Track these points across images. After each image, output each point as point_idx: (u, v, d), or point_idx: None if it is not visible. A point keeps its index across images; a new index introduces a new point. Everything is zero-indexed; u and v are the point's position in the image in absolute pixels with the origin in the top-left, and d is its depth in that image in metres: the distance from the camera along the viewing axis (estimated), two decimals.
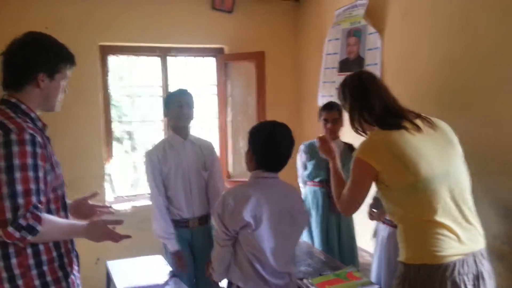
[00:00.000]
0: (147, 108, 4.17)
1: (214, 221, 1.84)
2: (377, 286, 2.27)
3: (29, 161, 1.39)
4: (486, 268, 1.60)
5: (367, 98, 1.75)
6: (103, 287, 3.07)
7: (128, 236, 1.66)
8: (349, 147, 2.98)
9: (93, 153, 3.69)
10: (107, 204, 3.71)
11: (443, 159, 1.61)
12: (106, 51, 3.80)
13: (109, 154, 3.85)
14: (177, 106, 2.61)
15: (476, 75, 2.45)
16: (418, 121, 1.68)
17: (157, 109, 4.18)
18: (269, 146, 1.83)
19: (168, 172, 2.60)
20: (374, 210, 1.88)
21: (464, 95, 2.51)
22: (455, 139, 1.71)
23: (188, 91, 2.70)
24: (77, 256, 1.69)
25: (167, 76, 4.05)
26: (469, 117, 2.40)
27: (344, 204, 1.80)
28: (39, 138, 1.43)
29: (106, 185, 3.76)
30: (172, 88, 4.04)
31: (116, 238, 1.63)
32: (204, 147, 2.72)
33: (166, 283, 2.55)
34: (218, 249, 1.84)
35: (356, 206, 1.77)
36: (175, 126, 2.67)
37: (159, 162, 2.59)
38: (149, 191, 2.68)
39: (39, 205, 1.40)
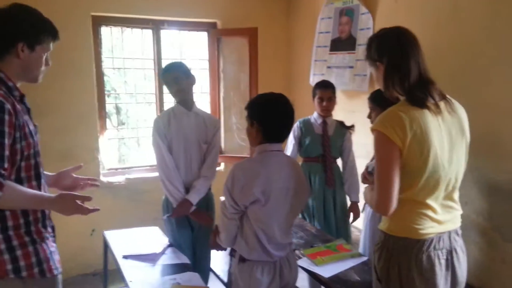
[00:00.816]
0: (138, 82, 4.16)
1: (223, 195, 1.90)
2: (365, 257, 2.41)
3: None
4: (459, 244, 1.72)
5: (406, 63, 1.61)
6: (99, 257, 3.14)
7: (96, 209, 1.68)
8: (341, 124, 3.11)
9: (86, 125, 3.70)
10: (100, 176, 3.76)
11: (451, 148, 1.64)
12: (98, 21, 3.75)
13: (103, 127, 3.87)
14: (168, 84, 2.68)
15: (463, 62, 2.55)
16: (441, 103, 1.63)
17: (148, 83, 4.18)
18: (277, 116, 1.87)
19: (171, 140, 2.67)
20: (373, 173, 1.87)
21: (452, 80, 2.60)
22: (466, 127, 1.70)
23: (176, 64, 2.71)
24: (52, 227, 1.70)
25: (160, 50, 4.04)
26: (458, 101, 2.50)
27: (378, 200, 1.61)
28: (8, 106, 1.45)
29: (100, 158, 3.78)
30: (164, 62, 4.06)
31: (85, 211, 1.63)
32: (208, 120, 2.77)
33: (164, 251, 2.64)
34: (225, 221, 1.91)
35: (390, 196, 1.57)
36: (175, 99, 2.73)
37: (164, 127, 2.66)
38: (155, 158, 2.70)
39: (2, 171, 1.42)
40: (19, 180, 1.53)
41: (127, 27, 3.98)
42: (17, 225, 1.54)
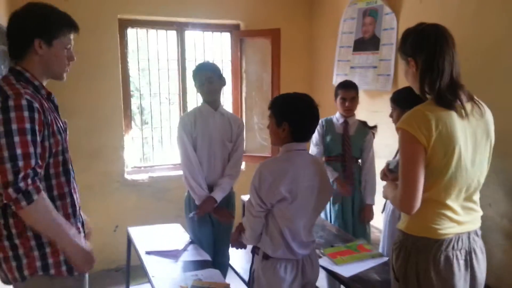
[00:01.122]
0: (162, 83, 4.23)
1: (250, 193, 1.92)
2: (386, 258, 2.38)
3: (27, 125, 1.42)
4: (479, 245, 1.69)
5: (441, 64, 1.59)
6: (122, 253, 3.21)
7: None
8: (363, 124, 3.09)
9: (112, 125, 3.79)
10: (125, 174, 3.85)
11: (475, 150, 1.63)
12: (124, 24, 3.84)
13: (128, 126, 3.96)
14: (200, 83, 2.70)
15: (487, 61, 2.50)
16: (468, 105, 1.62)
17: (172, 84, 4.25)
18: (306, 115, 1.89)
19: (196, 138, 2.71)
20: (394, 171, 1.82)
21: (476, 80, 2.55)
22: (492, 130, 1.69)
23: (210, 64, 2.76)
24: (82, 223, 1.71)
25: (184, 51, 4.11)
26: (482, 100, 2.46)
27: (402, 199, 1.60)
28: (36, 104, 1.46)
29: (124, 156, 3.87)
30: (188, 63, 4.12)
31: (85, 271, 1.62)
32: (233, 120, 2.81)
33: (185, 248, 2.68)
34: (251, 218, 1.92)
35: (415, 194, 1.57)
36: (204, 99, 2.77)
37: (191, 125, 2.70)
38: (180, 156, 2.74)
39: (38, 169, 1.44)
40: (47, 176, 1.55)
41: (152, 28, 4.06)
42: None
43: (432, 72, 1.59)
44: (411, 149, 1.56)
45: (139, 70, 4.09)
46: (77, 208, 1.67)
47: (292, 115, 1.88)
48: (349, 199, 3.02)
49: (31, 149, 1.42)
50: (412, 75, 1.69)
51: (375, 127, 3.10)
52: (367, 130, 3.08)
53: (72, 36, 1.63)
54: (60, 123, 1.62)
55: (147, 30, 4.06)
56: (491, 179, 2.38)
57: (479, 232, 1.72)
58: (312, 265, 1.99)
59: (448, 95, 1.57)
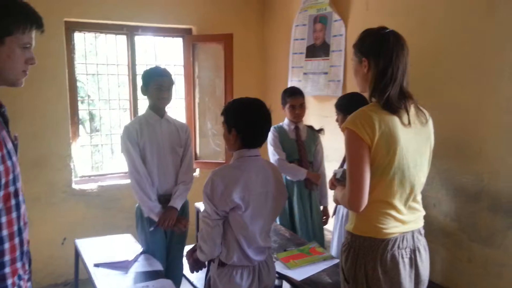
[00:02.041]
0: (112, 88, 4.12)
1: (203, 203, 1.87)
2: (337, 260, 2.42)
3: None
4: (422, 243, 1.76)
5: (395, 72, 1.63)
6: (70, 267, 3.08)
7: None
8: (311, 128, 3.18)
9: (58, 132, 3.63)
10: (72, 184, 3.70)
11: (416, 151, 1.69)
12: (71, 27, 3.71)
13: (75, 134, 3.81)
14: (155, 89, 2.61)
15: (431, 67, 2.61)
16: (412, 114, 1.67)
17: (123, 89, 4.15)
18: (254, 121, 1.86)
19: (144, 147, 2.63)
20: (341, 180, 1.88)
21: (421, 85, 2.67)
22: (432, 134, 1.76)
23: (167, 71, 2.68)
24: (29, 261, 1.43)
25: (134, 56, 4.02)
26: (426, 105, 2.57)
27: (350, 197, 1.64)
28: None
29: (72, 165, 3.72)
30: (139, 69, 4.03)
31: None
32: (180, 127, 2.76)
33: (136, 259, 2.60)
34: (208, 230, 1.85)
35: (362, 191, 1.61)
36: (152, 106, 2.69)
37: (136, 135, 2.62)
38: (127, 166, 2.66)
39: None
40: None
41: (101, 33, 3.94)
42: None
43: (384, 78, 1.64)
44: (356, 147, 1.61)
45: (87, 75, 3.96)
46: (25, 247, 1.39)
47: (239, 121, 1.85)
48: (307, 203, 3.06)
49: None
50: (362, 74, 1.74)
51: (321, 130, 3.18)
52: (316, 134, 3.17)
53: (33, 34, 1.33)
54: (11, 143, 1.32)
55: (95, 34, 3.95)
56: (434, 180, 2.49)
57: (422, 231, 1.78)
58: (268, 270, 1.98)
59: (395, 103, 1.63)
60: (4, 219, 1.28)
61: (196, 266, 2.02)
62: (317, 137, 3.16)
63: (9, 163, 1.27)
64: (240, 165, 1.87)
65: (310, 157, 3.09)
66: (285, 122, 3.13)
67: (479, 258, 2.36)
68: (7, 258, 1.29)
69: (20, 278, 1.35)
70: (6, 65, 1.29)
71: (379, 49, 1.65)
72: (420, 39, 2.70)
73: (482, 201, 2.32)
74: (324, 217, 3.19)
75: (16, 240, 1.33)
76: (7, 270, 1.29)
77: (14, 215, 1.31)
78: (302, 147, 3.06)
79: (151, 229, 2.63)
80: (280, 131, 3.10)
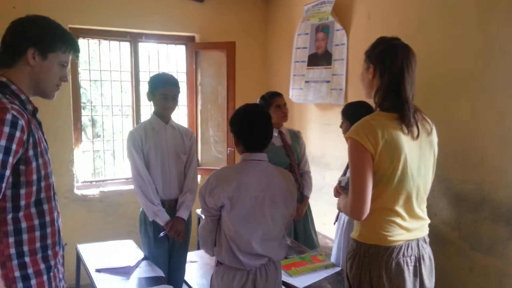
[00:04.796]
0: (115, 94, 4.14)
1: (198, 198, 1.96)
2: (339, 268, 2.43)
3: (2, 142, 1.29)
4: (427, 252, 1.78)
5: (403, 84, 1.67)
6: (72, 272, 3.05)
7: None
8: (292, 132, 3.21)
9: (61, 138, 3.64)
10: (74, 189, 3.70)
11: (420, 159, 1.71)
12: (76, 33, 3.73)
13: (78, 140, 3.83)
14: (162, 97, 2.63)
15: (430, 77, 2.63)
16: (418, 125, 1.70)
17: (125, 95, 4.17)
18: (250, 126, 1.92)
19: (148, 153, 2.65)
20: (346, 187, 1.91)
21: (421, 93, 2.69)
22: (435, 142, 1.78)
23: (175, 80, 2.70)
24: (63, 249, 1.60)
25: (137, 62, 4.05)
26: (427, 114, 2.59)
27: (352, 205, 1.65)
28: (22, 122, 1.34)
29: (74, 170, 3.73)
30: (142, 75, 4.06)
31: None
32: (184, 133, 2.78)
33: (138, 264, 2.61)
34: (203, 224, 1.97)
35: (364, 200, 1.62)
36: (158, 112, 2.71)
37: (141, 141, 2.64)
38: (131, 171, 2.68)
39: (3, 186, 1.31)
40: (39, 202, 1.43)
41: (105, 39, 3.98)
42: (33, 250, 1.42)
43: (391, 87, 1.67)
44: (359, 157, 1.63)
45: (90, 81, 3.99)
46: (61, 235, 1.56)
47: (237, 127, 1.94)
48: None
49: None
50: (367, 80, 1.78)
51: (299, 132, 3.23)
52: (297, 133, 3.20)
53: (70, 57, 1.54)
54: (45, 142, 1.50)
55: (99, 41, 3.98)
56: (435, 189, 2.51)
57: (427, 239, 1.79)
58: (266, 279, 1.95)
59: (406, 115, 1.66)
60: (46, 207, 1.46)
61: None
62: (299, 137, 3.19)
63: (46, 157, 1.47)
64: (238, 167, 1.93)
65: (297, 159, 3.11)
66: None
67: (480, 267, 2.36)
68: (49, 241, 1.47)
69: (59, 261, 1.53)
70: (45, 78, 1.49)
71: (387, 58, 1.69)
72: (417, 49, 2.72)
73: (483, 210, 2.33)
74: (301, 208, 3.06)
75: (56, 226, 1.51)
76: (50, 252, 1.46)
77: (53, 204, 1.50)
78: (290, 152, 3.06)
79: (160, 235, 2.64)
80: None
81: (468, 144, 2.42)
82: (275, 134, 3.07)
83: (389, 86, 1.68)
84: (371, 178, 1.63)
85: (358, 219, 1.68)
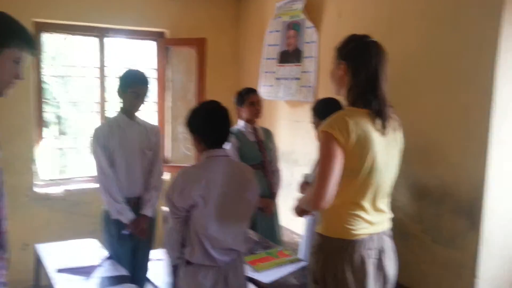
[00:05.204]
0: (81, 91, 4.04)
1: (164, 199, 1.92)
2: (304, 262, 2.43)
3: None
4: (389, 245, 1.79)
5: (377, 82, 1.70)
6: (32, 273, 2.97)
7: None
8: (265, 129, 3.22)
9: (22, 135, 3.52)
10: (35, 188, 3.58)
11: (388, 155, 1.72)
12: (40, 28, 3.63)
13: (40, 137, 3.71)
14: (133, 95, 2.59)
15: (398, 74, 2.66)
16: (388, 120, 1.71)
17: (91, 92, 4.07)
18: (206, 122, 1.92)
19: (113, 150, 2.60)
20: (308, 182, 1.91)
21: (389, 90, 2.72)
22: (402, 138, 1.81)
23: (147, 78, 2.66)
24: (9, 252, 1.52)
25: (104, 58, 3.95)
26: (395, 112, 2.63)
27: (315, 191, 1.62)
28: None
29: (36, 169, 3.61)
30: (110, 72, 3.97)
31: None
32: (149, 129, 2.75)
33: (101, 264, 2.54)
34: (171, 227, 1.92)
35: (327, 187, 1.59)
36: (125, 109, 2.66)
37: (105, 138, 2.59)
38: (95, 168, 2.62)
39: None
40: None
41: (71, 34, 3.88)
42: None
43: (362, 84, 1.69)
44: (330, 147, 1.62)
45: (55, 77, 3.88)
46: (5, 237, 1.48)
47: (194, 124, 1.95)
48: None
49: None
50: (338, 77, 1.78)
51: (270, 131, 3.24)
52: (269, 131, 3.21)
53: (25, 54, 1.43)
54: None
55: (65, 36, 3.87)
56: (400, 184, 2.52)
57: (389, 233, 1.81)
58: (236, 273, 1.98)
59: (378, 110, 1.68)
60: None
61: (172, 272, 2.03)
62: (270, 134, 3.20)
63: None
64: (204, 164, 1.92)
65: (269, 156, 3.10)
66: (242, 125, 3.09)
67: (441, 259, 2.40)
68: None
69: (4, 266, 1.45)
70: None
71: (360, 55, 1.71)
72: (387, 47, 2.74)
73: (445, 204, 2.37)
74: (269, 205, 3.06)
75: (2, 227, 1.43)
76: None
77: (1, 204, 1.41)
78: (263, 149, 3.06)
79: (124, 232, 2.59)
80: (239, 134, 3.05)
81: (432, 140, 2.46)
82: (249, 129, 3.06)
83: (364, 84, 1.69)
84: (339, 169, 1.61)
85: (316, 207, 1.63)
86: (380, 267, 1.72)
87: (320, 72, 3.41)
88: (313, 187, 1.65)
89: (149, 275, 2.76)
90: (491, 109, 2.14)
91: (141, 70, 2.74)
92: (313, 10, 3.50)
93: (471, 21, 2.26)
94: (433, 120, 2.45)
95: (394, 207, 1.86)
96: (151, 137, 2.73)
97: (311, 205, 1.67)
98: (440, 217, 2.40)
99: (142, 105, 2.68)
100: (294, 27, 3.72)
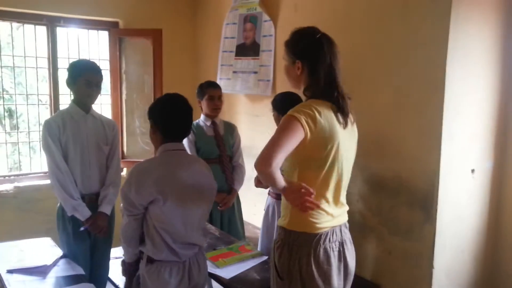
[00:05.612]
0: (31, 83, 3.85)
1: (120, 196, 1.87)
2: (265, 257, 2.46)
3: None
4: (348, 236, 1.85)
5: (333, 75, 1.72)
6: None
7: None
8: (228, 124, 3.20)
9: None
10: None
11: (347, 147, 1.76)
12: None
13: None
14: (85, 85, 2.48)
15: (353, 69, 2.72)
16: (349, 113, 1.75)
17: (42, 84, 3.89)
18: (170, 114, 1.90)
19: (66, 143, 2.49)
20: None
21: (345, 84, 2.78)
22: (356, 131, 1.86)
23: (98, 66, 2.57)
24: None
25: (55, 48, 3.78)
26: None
27: (261, 156, 1.56)
28: None
29: None
30: (61, 62, 3.80)
31: None
32: (106, 123, 2.65)
33: (55, 263, 2.45)
34: (124, 223, 1.89)
35: (275, 153, 1.54)
36: (77, 100, 2.55)
37: (58, 130, 2.47)
38: (47, 164, 2.51)
39: None
40: None
41: (19, 22, 3.67)
42: None
43: (321, 81, 1.70)
44: (291, 125, 1.59)
45: (2, 68, 3.65)
46: None
47: (157, 114, 1.92)
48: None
49: None
50: (294, 75, 1.78)
51: (235, 126, 3.22)
52: (232, 126, 3.19)
53: None
54: None
55: (11, 24, 3.66)
56: (358, 177, 2.61)
57: (348, 225, 1.87)
58: (199, 268, 1.98)
59: (339, 104, 1.71)
60: None
61: (126, 269, 2.03)
62: (233, 129, 3.17)
63: None
64: (160, 159, 1.90)
65: (229, 151, 3.09)
66: (201, 119, 3.08)
67: (399, 250, 2.50)
68: None
69: None
70: None
71: (314, 54, 1.71)
72: (343, 41, 2.79)
73: (401, 196, 2.46)
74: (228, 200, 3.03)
75: None
76: None
77: None
78: (221, 143, 3.03)
79: (81, 229, 2.51)
80: (197, 128, 3.04)
81: (388, 134, 2.54)
82: (208, 123, 3.03)
83: (322, 81, 1.71)
84: (291, 144, 1.58)
85: (259, 168, 1.57)
86: (341, 259, 1.77)
87: (277, 66, 3.43)
88: (263, 150, 1.58)
89: (111, 274, 2.70)
90: (443, 104, 2.24)
91: (91, 60, 2.65)
92: (270, 3, 3.50)
93: (422, 16, 2.33)
94: (390, 114, 2.52)
95: (351, 200, 1.93)
96: (108, 131, 2.64)
97: (256, 166, 1.60)
98: (396, 209, 2.49)
99: (96, 96, 2.57)
100: (251, 20, 3.71)
